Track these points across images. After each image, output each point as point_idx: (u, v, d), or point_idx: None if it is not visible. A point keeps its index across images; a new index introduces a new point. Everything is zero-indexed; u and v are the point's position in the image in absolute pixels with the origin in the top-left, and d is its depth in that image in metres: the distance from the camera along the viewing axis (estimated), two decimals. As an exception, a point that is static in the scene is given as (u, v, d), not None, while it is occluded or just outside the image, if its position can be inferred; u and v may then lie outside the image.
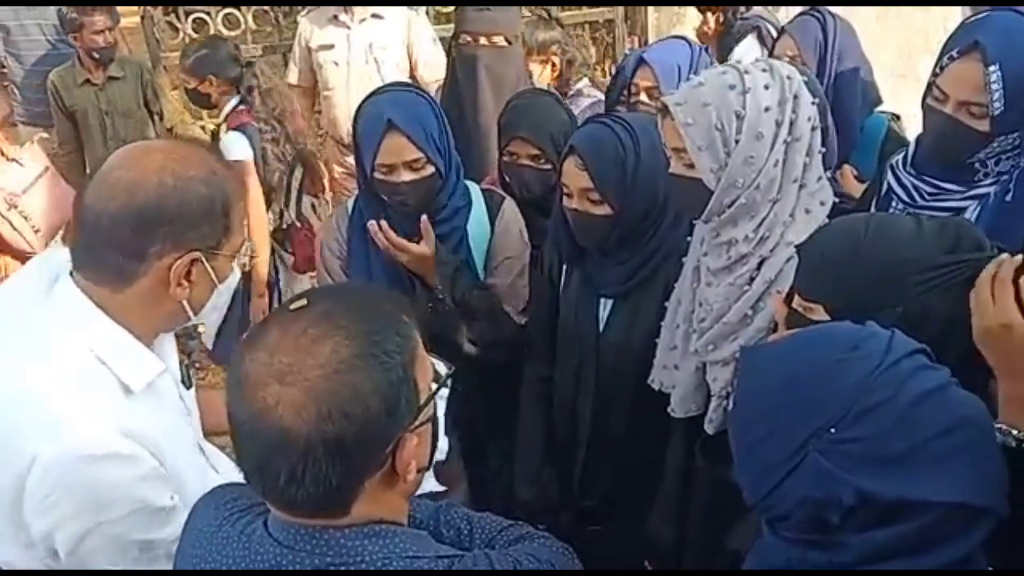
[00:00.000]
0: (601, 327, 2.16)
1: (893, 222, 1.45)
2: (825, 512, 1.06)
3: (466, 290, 2.32)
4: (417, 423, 1.09)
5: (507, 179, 2.59)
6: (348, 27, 4.06)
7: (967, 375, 1.39)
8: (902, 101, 3.11)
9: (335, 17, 4.08)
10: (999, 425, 1.26)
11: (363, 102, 2.27)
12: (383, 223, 2.23)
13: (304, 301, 1.08)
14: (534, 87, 3.12)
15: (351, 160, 4.04)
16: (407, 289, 2.32)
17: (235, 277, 1.53)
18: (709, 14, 4.12)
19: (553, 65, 3.41)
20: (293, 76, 4.24)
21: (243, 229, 1.49)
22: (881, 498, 1.03)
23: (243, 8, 4.91)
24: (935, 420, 1.05)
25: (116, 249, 1.36)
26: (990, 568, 1.15)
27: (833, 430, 1.05)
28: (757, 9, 4.03)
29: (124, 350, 1.40)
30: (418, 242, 2.25)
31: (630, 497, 2.21)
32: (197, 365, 4.07)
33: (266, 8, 5.42)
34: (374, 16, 4.07)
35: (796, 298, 1.50)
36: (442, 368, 1.19)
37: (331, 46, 4.08)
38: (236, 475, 1.61)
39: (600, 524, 2.32)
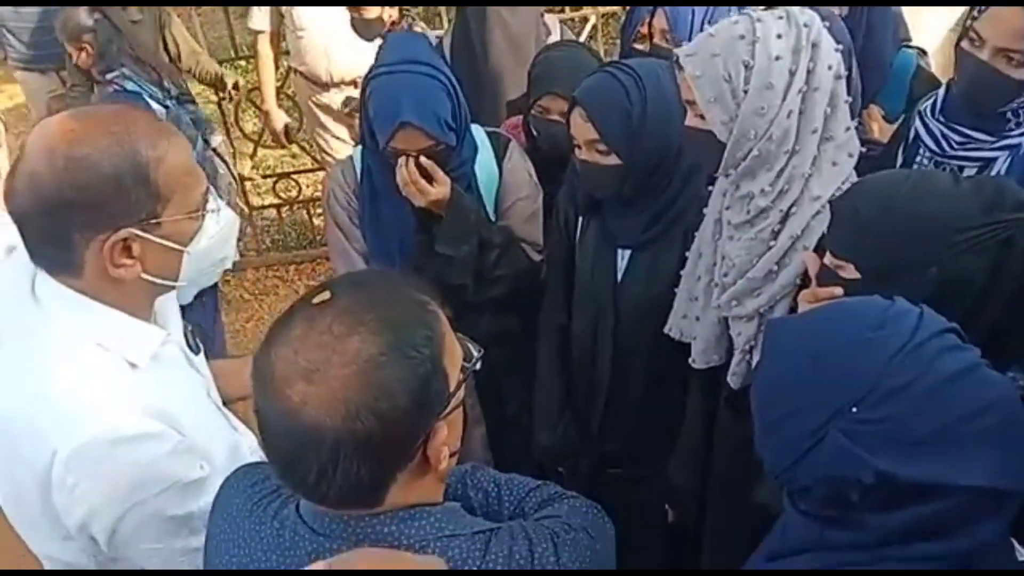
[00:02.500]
0: (619, 277, 2.14)
1: (931, 180, 1.41)
2: (845, 490, 1.05)
3: (483, 226, 2.30)
4: (448, 410, 1.06)
5: (535, 132, 2.55)
6: None
7: (1003, 338, 1.39)
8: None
9: None
10: None
11: (375, 74, 2.20)
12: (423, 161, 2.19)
13: (327, 294, 1.05)
14: (568, 40, 3.05)
15: (325, 98, 4.03)
16: (419, 239, 2.31)
17: (219, 224, 1.44)
18: None
19: None
20: (258, 21, 4.04)
21: (193, 182, 1.37)
22: (902, 480, 1.02)
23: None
24: (961, 402, 1.03)
25: (43, 242, 1.32)
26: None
27: (855, 409, 1.04)
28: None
29: (120, 329, 1.37)
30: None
31: (650, 443, 2.23)
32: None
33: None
34: None
35: (828, 255, 1.47)
36: (471, 348, 1.16)
37: None
38: (253, 438, 1.64)
39: (621, 468, 2.34)
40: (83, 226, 1.29)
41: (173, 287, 1.44)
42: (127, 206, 1.29)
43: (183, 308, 1.62)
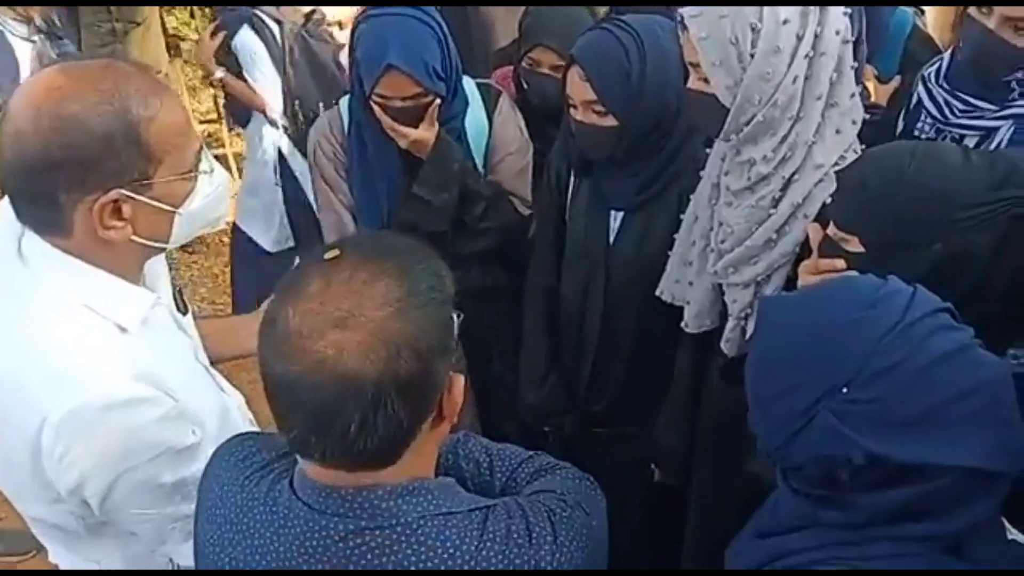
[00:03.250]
0: (611, 239, 2.11)
1: (940, 153, 1.38)
2: (835, 470, 1.05)
3: (470, 176, 2.27)
4: (454, 361, 1.08)
5: (524, 85, 2.50)
6: None
7: (1007, 315, 1.38)
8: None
9: None
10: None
11: (364, 18, 2.16)
12: None
13: (336, 251, 1.04)
14: None
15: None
16: (401, 183, 2.28)
17: (213, 184, 1.39)
18: None
19: None
20: None
21: (186, 142, 1.32)
22: (891, 460, 1.02)
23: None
24: (952, 383, 1.02)
25: (30, 202, 1.27)
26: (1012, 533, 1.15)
27: (845, 390, 1.03)
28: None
29: (109, 292, 1.33)
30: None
31: (636, 403, 2.22)
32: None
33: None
34: None
35: (831, 227, 1.44)
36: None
37: None
38: (240, 397, 1.61)
39: (606, 427, 2.34)
40: (71, 187, 1.24)
41: (164, 249, 1.40)
42: (117, 167, 1.24)
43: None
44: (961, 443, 1.01)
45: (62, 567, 1.54)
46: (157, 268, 1.49)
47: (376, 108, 2.16)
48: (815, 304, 1.13)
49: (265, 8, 3.43)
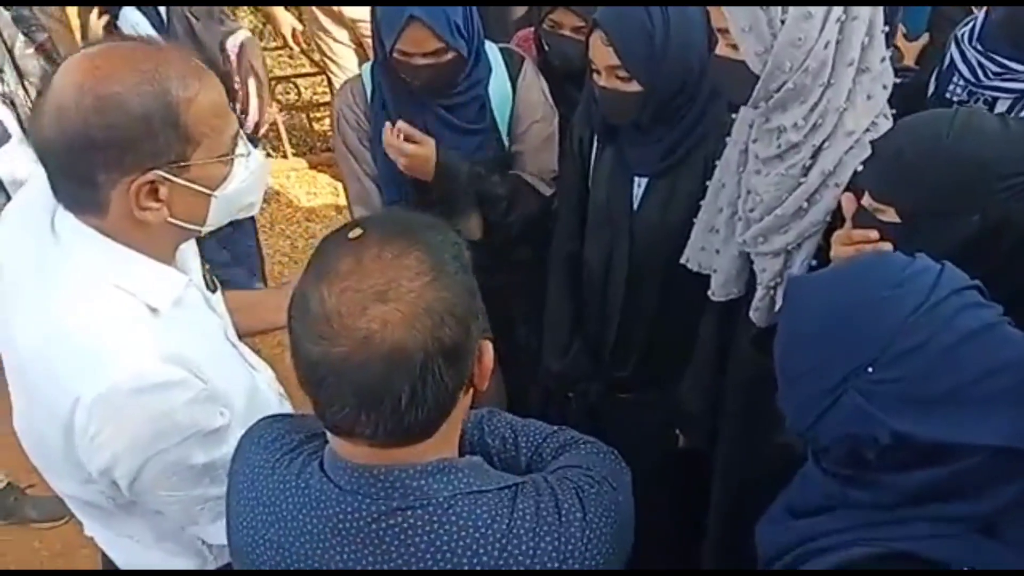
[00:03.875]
0: (635, 206, 2.09)
1: (978, 122, 1.35)
2: (861, 449, 1.06)
3: (483, 181, 2.26)
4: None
5: (545, 47, 2.46)
6: None
7: None
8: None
9: None
10: None
11: None
12: (400, 125, 2.16)
13: (359, 230, 1.04)
14: None
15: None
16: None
17: (249, 169, 1.38)
18: None
19: None
20: None
21: (224, 125, 1.32)
22: (917, 439, 1.02)
23: None
24: (979, 361, 1.02)
25: (68, 179, 1.27)
26: None
27: (871, 369, 1.04)
28: None
29: (142, 273, 1.33)
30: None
31: (661, 370, 2.22)
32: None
33: None
34: None
35: (866, 197, 1.42)
36: None
37: None
38: (271, 372, 1.62)
39: (630, 393, 2.34)
40: (109, 167, 1.24)
41: (199, 232, 1.40)
42: (155, 148, 1.25)
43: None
44: (989, 422, 1.01)
45: (97, 540, 1.57)
46: (187, 247, 1.49)
47: (398, 67, 2.14)
48: (841, 283, 1.13)
49: None
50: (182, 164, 1.28)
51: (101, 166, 1.24)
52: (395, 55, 2.11)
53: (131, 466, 1.30)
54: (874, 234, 1.41)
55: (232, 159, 1.35)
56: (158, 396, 1.27)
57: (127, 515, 1.45)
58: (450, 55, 2.11)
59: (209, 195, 1.34)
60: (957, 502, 1.05)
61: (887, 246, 1.38)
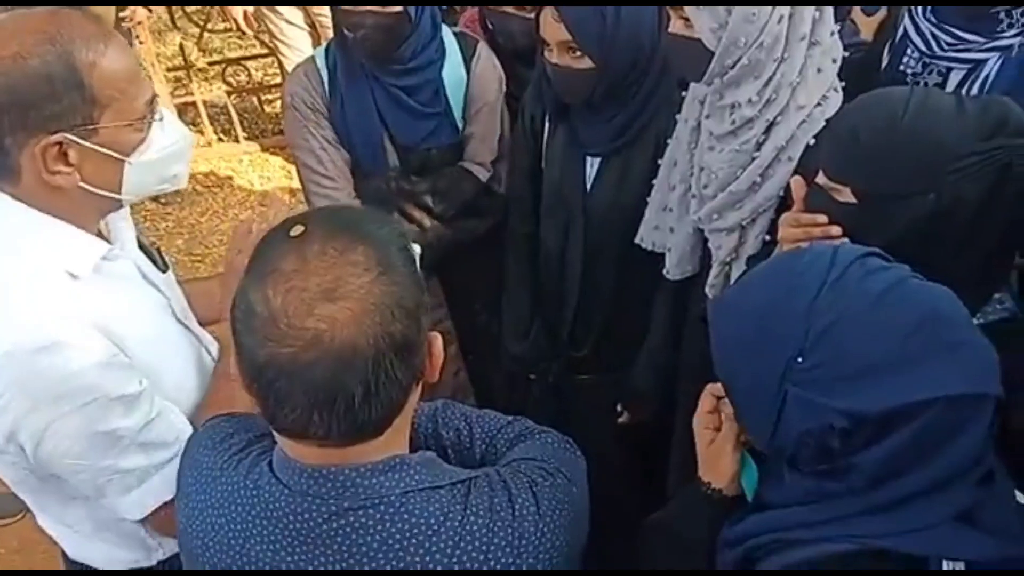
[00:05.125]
0: (588, 186, 2.08)
1: (934, 101, 1.33)
2: (824, 440, 1.05)
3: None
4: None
5: (490, 26, 2.43)
6: None
7: (992, 264, 1.36)
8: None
9: None
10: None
11: None
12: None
13: (301, 227, 1.01)
14: None
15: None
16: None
17: (170, 139, 1.37)
18: None
19: None
20: None
21: (135, 90, 1.31)
22: (870, 413, 1.02)
23: None
24: (898, 320, 1.03)
25: None
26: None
27: (800, 360, 1.04)
28: None
29: (59, 238, 1.32)
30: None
31: (619, 349, 2.21)
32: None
33: None
34: None
35: (821, 176, 1.41)
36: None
37: None
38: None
39: (589, 374, 2.33)
40: (14, 129, 1.23)
41: (119, 200, 1.38)
42: (59, 109, 1.23)
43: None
44: (928, 376, 1.01)
45: (47, 530, 1.55)
46: (121, 225, 1.47)
47: (343, 20, 2.12)
48: (751, 290, 1.15)
49: None
50: (89, 127, 1.27)
51: (6, 128, 1.23)
52: (346, 24, 2.08)
53: (34, 428, 1.27)
54: (822, 218, 1.39)
55: (147, 125, 1.33)
56: (57, 357, 1.24)
57: (57, 495, 1.42)
58: (394, 9, 2.06)
59: (122, 161, 1.32)
60: (930, 462, 1.03)
61: (836, 230, 1.37)
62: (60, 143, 1.25)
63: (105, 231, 1.45)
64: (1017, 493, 1.14)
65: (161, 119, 1.36)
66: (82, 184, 1.30)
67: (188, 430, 1.39)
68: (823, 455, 1.07)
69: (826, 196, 1.38)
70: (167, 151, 1.37)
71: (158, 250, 1.58)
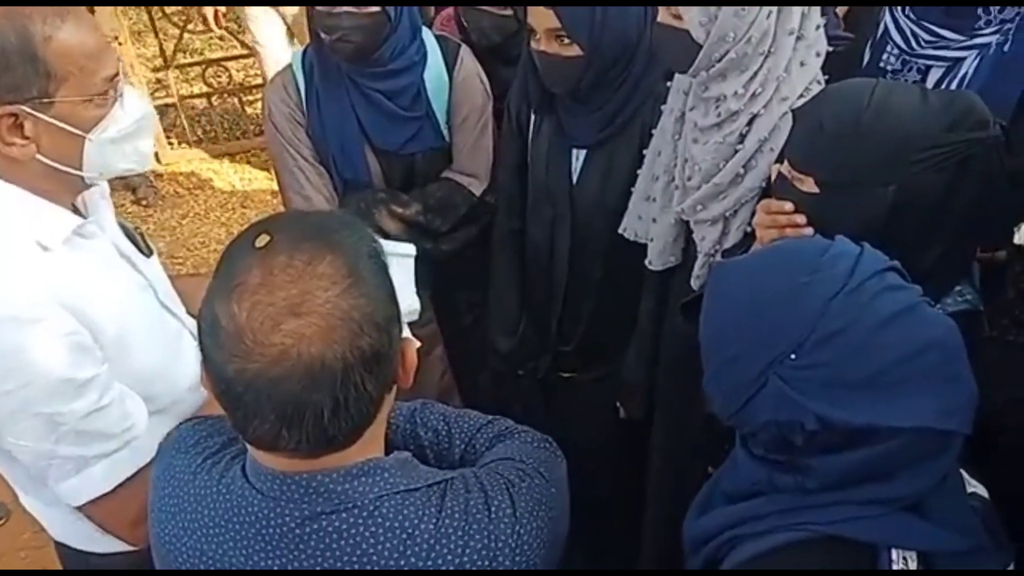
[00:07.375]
0: (575, 179, 2.08)
1: (898, 94, 1.35)
2: (789, 435, 1.07)
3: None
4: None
5: (464, 24, 2.42)
6: None
7: (952, 257, 1.39)
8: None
9: None
10: None
11: None
12: None
13: (265, 237, 0.97)
14: None
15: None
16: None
17: (132, 117, 1.38)
18: None
19: None
20: None
21: (94, 66, 1.31)
22: (842, 424, 1.03)
23: None
24: (899, 344, 1.03)
25: None
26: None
27: (793, 356, 1.05)
28: None
29: (26, 208, 1.33)
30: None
31: (607, 343, 2.23)
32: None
33: None
34: None
35: (786, 164, 1.42)
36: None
37: None
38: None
39: (576, 371, 2.34)
40: None
41: (81, 177, 1.39)
42: (13, 81, 1.26)
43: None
44: (911, 404, 1.02)
45: (31, 511, 1.56)
46: (100, 204, 1.49)
47: (320, 22, 2.08)
48: (762, 271, 1.13)
49: None
50: (45, 100, 1.28)
51: None
52: (319, 7, 2.05)
53: None
54: (788, 205, 1.41)
55: (108, 101, 1.35)
56: (18, 331, 1.25)
57: (32, 480, 1.41)
58: (372, 9, 2.04)
59: (82, 137, 1.34)
60: (881, 483, 1.06)
61: (801, 219, 1.38)
62: (15, 115, 1.26)
63: (83, 208, 1.45)
64: (971, 481, 1.16)
65: (120, 95, 1.37)
66: (40, 157, 1.31)
67: (143, 422, 1.39)
68: (782, 446, 1.09)
69: (790, 185, 1.40)
70: (128, 129, 1.39)
71: (142, 235, 1.57)
